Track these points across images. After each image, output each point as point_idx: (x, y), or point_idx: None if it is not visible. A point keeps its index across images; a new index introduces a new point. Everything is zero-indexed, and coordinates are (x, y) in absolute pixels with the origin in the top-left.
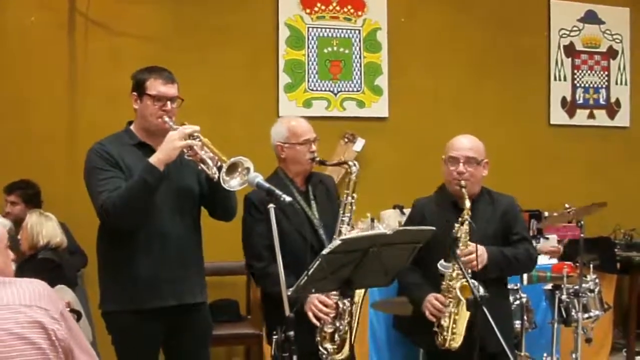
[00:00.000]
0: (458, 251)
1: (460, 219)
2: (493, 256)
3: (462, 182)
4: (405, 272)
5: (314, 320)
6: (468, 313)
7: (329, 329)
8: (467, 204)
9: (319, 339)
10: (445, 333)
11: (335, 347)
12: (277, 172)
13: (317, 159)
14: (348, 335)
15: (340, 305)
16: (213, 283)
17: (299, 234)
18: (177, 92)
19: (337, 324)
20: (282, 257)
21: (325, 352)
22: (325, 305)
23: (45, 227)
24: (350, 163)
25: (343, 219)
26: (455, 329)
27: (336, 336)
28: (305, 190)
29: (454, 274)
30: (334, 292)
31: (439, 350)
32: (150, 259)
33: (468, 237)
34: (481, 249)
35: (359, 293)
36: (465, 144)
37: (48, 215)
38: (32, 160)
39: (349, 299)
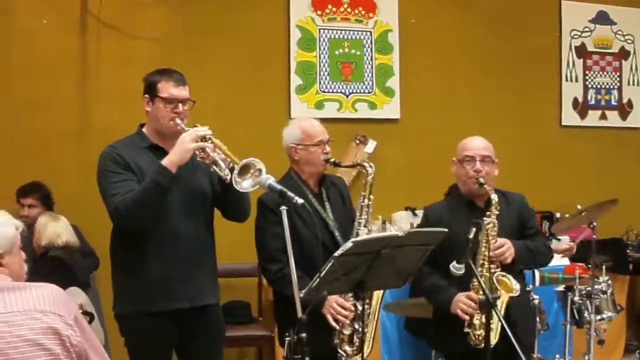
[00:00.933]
0: (488, 244)
1: (488, 213)
2: (519, 250)
3: (481, 180)
4: (425, 275)
5: (333, 323)
6: (503, 308)
7: (347, 331)
8: (495, 197)
9: (337, 341)
10: (478, 332)
11: (354, 349)
12: (290, 174)
13: (332, 160)
14: (367, 337)
15: (359, 307)
16: (225, 285)
17: (316, 237)
18: (188, 94)
19: (356, 326)
20: (298, 261)
21: (344, 355)
22: (344, 308)
23: (48, 228)
24: (366, 164)
25: (360, 220)
26: (491, 324)
27: (355, 338)
28: (319, 192)
29: (485, 269)
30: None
31: (462, 351)
32: (163, 260)
33: (496, 232)
34: (509, 242)
35: (377, 295)
36: (479, 143)
37: (56, 217)
38: (43, 162)
39: (367, 301)
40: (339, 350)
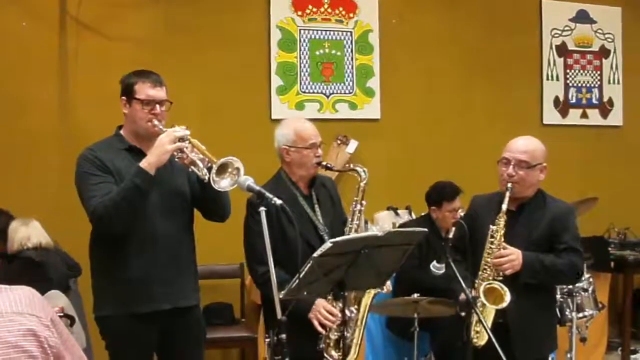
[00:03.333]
0: (490, 251)
1: (496, 221)
2: (529, 262)
3: (509, 185)
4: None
5: (319, 328)
6: (492, 314)
7: (334, 336)
8: (504, 207)
9: (323, 346)
10: (471, 330)
11: (340, 354)
12: (280, 175)
13: (324, 163)
14: (354, 343)
15: (347, 314)
16: (207, 286)
17: (304, 240)
18: (165, 95)
19: (343, 332)
20: (286, 262)
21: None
22: (331, 313)
23: (19, 232)
24: (359, 169)
25: (351, 226)
26: (478, 326)
27: (341, 343)
28: (309, 194)
29: (485, 275)
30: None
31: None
32: (143, 262)
33: (503, 239)
34: (517, 253)
35: (365, 301)
36: (520, 146)
37: (27, 221)
38: (22, 165)
39: (355, 307)
40: (325, 355)
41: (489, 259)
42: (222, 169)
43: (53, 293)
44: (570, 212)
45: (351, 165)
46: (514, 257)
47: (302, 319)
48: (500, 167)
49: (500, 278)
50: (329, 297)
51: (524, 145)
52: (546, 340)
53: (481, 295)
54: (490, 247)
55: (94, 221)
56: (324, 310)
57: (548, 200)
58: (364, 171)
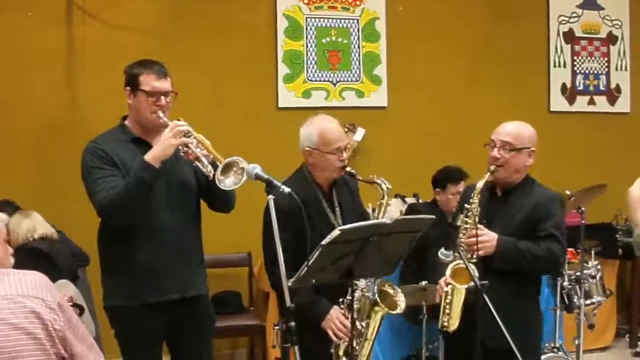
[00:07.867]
0: (465, 231)
1: (471, 200)
2: (503, 246)
3: (492, 167)
4: None
5: (333, 338)
6: (462, 297)
7: (343, 345)
8: (479, 185)
9: (333, 351)
10: (443, 315)
11: None
12: (304, 173)
13: (348, 169)
14: (362, 355)
15: (358, 326)
16: (215, 275)
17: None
18: (170, 87)
19: (353, 343)
20: (302, 259)
21: None
22: (343, 325)
23: (22, 225)
24: (380, 182)
25: None
26: (449, 311)
27: (350, 352)
28: (330, 195)
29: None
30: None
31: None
32: (151, 253)
33: (477, 220)
34: (491, 236)
35: (374, 319)
36: (506, 128)
37: (28, 213)
38: (28, 156)
39: (366, 322)
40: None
41: (463, 239)
42: (227, 168)
43: (61, 282)
44: (555, 200)
45: (374, 178)
46: (486, 238)
47: (316, 326)
48: (489, 151)
49: (474, 260)
50: (342, 307)
51: (511, 128)
52: (524, 331)
53: (448, 276)
54: (465, 227)
55: (102, 215)
56: (337, 321)
57: (535, 187)
58: (386, 186)
